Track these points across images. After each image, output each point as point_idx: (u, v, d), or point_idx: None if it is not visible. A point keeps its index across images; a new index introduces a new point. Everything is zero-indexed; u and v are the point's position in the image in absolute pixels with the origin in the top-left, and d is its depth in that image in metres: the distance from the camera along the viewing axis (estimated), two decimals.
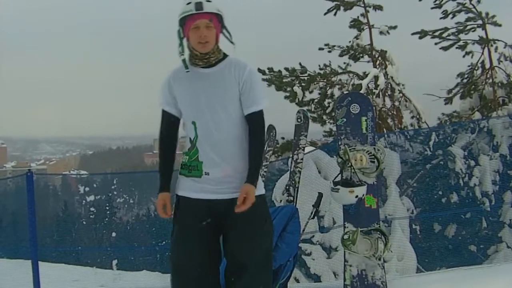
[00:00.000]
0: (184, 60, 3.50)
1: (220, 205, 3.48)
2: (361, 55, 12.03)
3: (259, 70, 12.32)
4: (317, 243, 8.82)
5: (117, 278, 11.14)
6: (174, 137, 3.64)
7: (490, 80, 11.42)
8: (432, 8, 11.72)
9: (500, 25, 11.50)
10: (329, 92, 11.91)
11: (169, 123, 3.60)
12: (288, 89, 11.90)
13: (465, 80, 12.03)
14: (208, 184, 3.47)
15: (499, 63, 11.53)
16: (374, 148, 5.49)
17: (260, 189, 3.58)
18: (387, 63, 11.41)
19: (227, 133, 3.47)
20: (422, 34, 11.74)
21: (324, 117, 12.05)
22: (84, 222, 29.91)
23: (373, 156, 5.42)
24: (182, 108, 3.55)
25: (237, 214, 3.41)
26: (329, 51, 12.25)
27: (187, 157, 3.53)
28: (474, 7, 11.48)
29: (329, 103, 11.74)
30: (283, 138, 12.46)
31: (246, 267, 3.52)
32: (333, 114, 6.66)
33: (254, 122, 3.52)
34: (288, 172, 6.41)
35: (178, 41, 3.50)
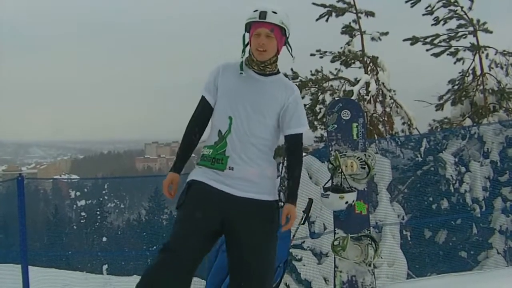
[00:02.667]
0: (242, 63, 3.59)
1: (233, 201, 3.45)
2: (352, 61, 12.00)
3: None
4: (308, 248, 8.81)
5: (107, 283, 11.10)
6: (203, 125, 3.66)
7: (481, 87, 11.42)
8: (423, 14, 11.72)
9: (491, 32, 11.52)
10: (320, 98, 11.89)
11: (204, 111, 3.64)
12: None
13: (456, 87, 12.04)
14: (230, 178, 3.47)
15: (490, 70, 11.54)
16: (365, 154, 5.51)
17: (276, 194, 3.66)
18: (378, 69, 11.40)
19: (259, 138, 3.52)
20: (414, 40, 11.75)
21: (316, 122, 12.01)
22: (75, 227, 29.81)
23: (363, 162, 5.44)
24: (222, 99, 3.58)
25: (251, 217, 3.46)
26: (321, 57, 12.23)
27: (211, 150, 3.53)
28: (466, 14, 11.50)
29: (320, 108, 11.72)
30: None
31: (258, 272, 3.49)
32: (324, 120, 6.66)
33: (297, 143, 3.63)
34: (279, 177, 6.38)
35: (242, 44, 3.61)
